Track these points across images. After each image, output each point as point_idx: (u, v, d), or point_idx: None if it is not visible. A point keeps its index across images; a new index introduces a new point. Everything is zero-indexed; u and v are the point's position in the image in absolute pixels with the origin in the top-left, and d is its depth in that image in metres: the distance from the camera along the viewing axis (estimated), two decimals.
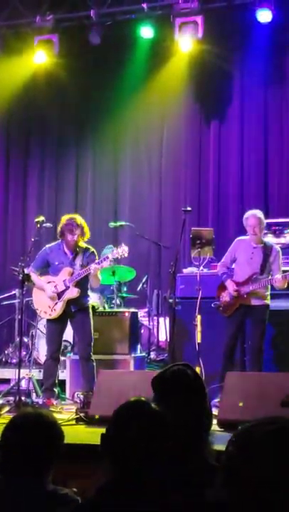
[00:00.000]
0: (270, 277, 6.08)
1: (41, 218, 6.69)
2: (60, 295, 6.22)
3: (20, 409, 2.44)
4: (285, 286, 6.07)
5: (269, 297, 6.18)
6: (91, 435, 4.44)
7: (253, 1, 7.98)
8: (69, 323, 6.39)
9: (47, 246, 6.44)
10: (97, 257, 6.29)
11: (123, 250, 6.18)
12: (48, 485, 2.23)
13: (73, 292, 6.18)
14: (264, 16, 7.93)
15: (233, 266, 6.37)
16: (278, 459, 1.26)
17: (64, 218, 6.27)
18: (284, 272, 6.13)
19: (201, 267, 6.60)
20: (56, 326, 6.29)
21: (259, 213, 6.22)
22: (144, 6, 8.22)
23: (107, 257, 6.13)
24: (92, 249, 6.39)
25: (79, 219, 6.27)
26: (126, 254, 6.22)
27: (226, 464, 1.29)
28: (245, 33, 8.66)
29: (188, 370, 2.17)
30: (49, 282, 6.30)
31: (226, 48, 8.70)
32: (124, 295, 7.96)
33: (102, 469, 1.78)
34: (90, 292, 6.47)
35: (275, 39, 8.54)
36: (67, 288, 6.19)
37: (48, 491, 2.20)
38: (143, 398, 1.83)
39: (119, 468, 1.69)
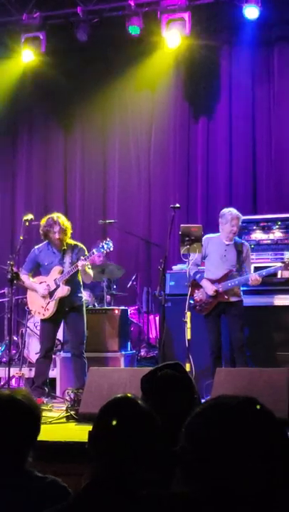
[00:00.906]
0: (245, 275, 6.12)
1: (30, 216, 6.67)
2: (51, 294, 6.22)
3: None
4: (259, 283, 6.14)
5: (242, 293, 6.24)
6: (81, 433, 4.44)
7: None
8: (63, 321, 6.40)
9: (35, 247, 6.43)
10: (86, 253, 6.30)
11: (107, 243, 6.19)
12: (29, 470, 2.13)
13: (64, 290, 6.17)
14: (251, 12, 7.94)
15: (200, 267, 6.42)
16: (224, 440, 1.20)
17: (42, 221, 6.29)
18: (261, 268, 6.19)
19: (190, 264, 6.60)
20: (50, 325, 6.29)
21: (240, 214, 6.28)
22: (131, 2, 8.21)
23: (93, 253, 6.15)
24: (81, 245, 6.39)
25: (55, 215, 6.29)
26: (110, 248, 6.23)
27: (179, 453, 1.26)
28: (233, 29, 8.69)
29: (177, 370, 2.15)
30: (41, 283, 6.31)
31: (214, 44, 8.72)
32: (114, 293, 7.96)
33: (90, 466, 1.78)
34: (81, 290, 6.48)
35: (262, 35, 8.57)
36: (58, 286, 6.19)
37: (28, 475, 2.10)
38: (129, 395, 1.83)
39: (106, 466, 1.69)
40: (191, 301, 6.31)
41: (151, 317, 8.14)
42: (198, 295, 6.24)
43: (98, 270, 7.36)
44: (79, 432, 4.60)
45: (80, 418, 5.07)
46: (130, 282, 8.35)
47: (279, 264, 6.35)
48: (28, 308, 6.67)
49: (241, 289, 6.25)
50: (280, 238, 7.15)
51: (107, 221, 8.13)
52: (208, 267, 6.31)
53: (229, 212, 6.27)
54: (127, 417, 1.74)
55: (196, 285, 6.30)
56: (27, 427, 2.16)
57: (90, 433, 1.76)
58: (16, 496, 2.06)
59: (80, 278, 6.29)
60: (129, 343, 7.25)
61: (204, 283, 6.22)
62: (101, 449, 1.70)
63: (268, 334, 6.60)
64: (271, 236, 7.16)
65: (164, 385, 2.10)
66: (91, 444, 1.74)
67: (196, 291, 6.27)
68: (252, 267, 6.50)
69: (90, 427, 1.81)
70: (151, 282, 8.38)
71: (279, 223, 7.19)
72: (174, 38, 8.21)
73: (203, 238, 6.42)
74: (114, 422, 1.67)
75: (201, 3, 8.33)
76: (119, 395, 1.81)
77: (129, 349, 7.17)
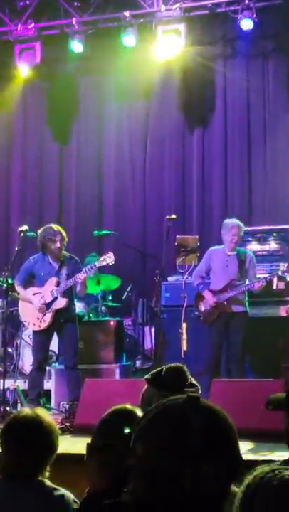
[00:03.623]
0: (247, 282, 6.12)
1: (25, 227, 6.63)
2: (48, 306, 6.15)
3: (17, 412, 2.47)
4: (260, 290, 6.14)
5: (247, 304, 6.21)
6: (76, 444, 4.39)
7: (235, 9, 8.02)
8: (55, 332, 6.34)
9: (31, 257, 6.36)
10: (81, 266, 6.26)
11: (109, 257, 6.14)
12: (45, 485, 2.25)
13: (62, 302, 6.10)
14: (246, 24, 7.97)
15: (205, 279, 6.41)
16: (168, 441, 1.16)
17: (40, 231, 6.21)
18: (263, 277, 6.21)
19: (186, 275, 6.59)
20: (43, 336, 6.23)
21: (241, 223, 6.29)
22: (127, 14, 8.22)
23: (95, 265, 6.09)
24: (76, 258, 6.36)
25: (54, 225, 6.25)
26: (112, 262, 6.16)
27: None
28: (228, 41, 8.73)
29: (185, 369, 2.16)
30: (35, 294, 6.21)
31: (209, 55, 8.75)
32: (110, 304, 7.91)
33: (87, 479, 1.74)
34: (75, 301, 6.43)
35: (257, 47, 8.61)
36: (55, 298, 6.12)
37: (45, 491, 2.23)
38: (129, 406, 1.79)
39: (105, 478, 1.65)
40: (196, 313, 6.32)
41: (146, 328, 8.09)
42: (202, 306, 6.25)
43: (94, 281, 7.31)
44: (74, 444, 4.54)
45: (76, 430, 5.01)
46: (125, 293, 8.30)
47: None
48: (20, 318, 6.59)
49: (246, 299, 6.23)
50: (276, 249, 7.15)
51: (103, 232, 8.10)
52: (212, 277, 6.34)
53: (230, 221, 6.31)
54: (127, 429, 1.70)
55: (200, 296, 6.29)
56: (47, 443, 2.29)
57: (89, 445, 1.72)
58: (28, 504, 2.19)
59: (73, 290, 6.24)
60: (124, 355, 7.20)
61: (205, 294, 6.23)
62: (101, 461, 1.66)
63: (266, 344, 6.57)
64: (267, 247, 7.16)
65: (172, 375, 2.08)
66: (90, 456, 1.70)
67: (201, 302, 6.28)
68: None
69: (85, 439, 1.78)
70: (146, 293, 8.33)
71: (274, 234, 7.19)
72: (169, 49, 8.22)
73: (208, 251, 6.44)
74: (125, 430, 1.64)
75: (196, 14, 8.37)
76: (118, 406, 1.77)
77: (124, 361, 7.11)
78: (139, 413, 1.78)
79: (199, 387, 2.13)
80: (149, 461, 1.14)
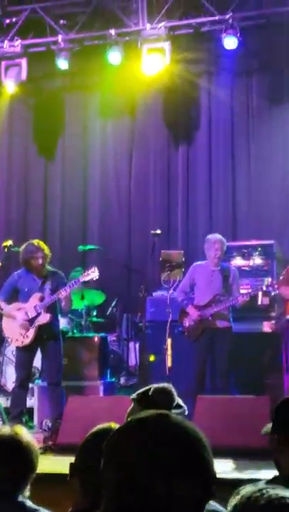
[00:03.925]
0: (231, 298, 6.15)
1: (9, 242, 6.59)
2: (31, 321, 6.10)
3: None
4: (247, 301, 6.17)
5: (231, 319, 6.24)
6: (59, 463, 4.34)
7: (220, 28, 8.11)
8: (38, 349, 6.28)
9: (15, 273, 6.31)
10: (66, 280, 6.23)
11: (93, 272, 6.11)
12: (26, 505, 2.21)
13: (46, 318, 6.05)
14: (230, 42, 8.05)
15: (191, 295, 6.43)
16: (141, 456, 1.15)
17: (21, 248, 6.17)
18: (247, 292, 6.25)
19: (171, 290, 6.60)
20: (26, 353, 6.16)
21: (223, 238, 6.36)
22: (112, 32, 8.28)
23: (78, 280, 6.06)
24: (60, 272, 6.32)
25: (35, 241, 6.19)
26: (96, 277, 6.13)
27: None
28: (212, 59, 8.82)
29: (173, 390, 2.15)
30: (19, 309, 6.15)
31: (194, 72, 8.84)
32: (94, 319, 7.88)
33: (70, 499, 1.71)
34: (59, 317, 6.38)
35: (241, 64, 8.71)
36: (39, 314, 6.08)
37: (21, 506, 2.20)
38: (113, 424, 1.77)
39: (88, 498, 1.63)
40: (180, 328, 6.33)
41: (131, 344, 8.06)
42: (187, 321, 6.26)
43: (78, 296, 7.28)
44: (57, 463, 4.49)
45: (59, 448, 4.96)
46: (110, 309, 8.27)
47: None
48: (4, 334, 6.52)
49: (230, 314, 6.25)
50: (260, 265, 7.18)
51: (88, 247, 8.09)
52: (196, 293, 6.37)
53: (212, 236, 6.37)
54: None
55: (184, 312, 6.30)
56: (26, 462, 2.25)
57: (72, 465, 1.70)
58: None
59: (57, 305, 6.20)
60: (108, 371, 7.15)
61: (189, 309, 6.24)
62: (84, 481, 1.64)
63: (251, 360, 6.58)
64: (251, 262, 7.20)
65: (159, 396, 2.07)
66: (73, 476, 1.68)
67: (185, 318, 6.28)
68: None
69: (68, 458, 1.76)
70: (131, 309, 8.31)
71: (259, 249, 7.23)
72: (154, 67, 8.28)
73: (192, 266, 6.47)
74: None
75: (181, 33, 8.45)
76: (102, 426, 1.75)
77: (108, 377, 7.07)
78: None
79: (186, 408, 2.12)
80: (119, 472, 1.13)
